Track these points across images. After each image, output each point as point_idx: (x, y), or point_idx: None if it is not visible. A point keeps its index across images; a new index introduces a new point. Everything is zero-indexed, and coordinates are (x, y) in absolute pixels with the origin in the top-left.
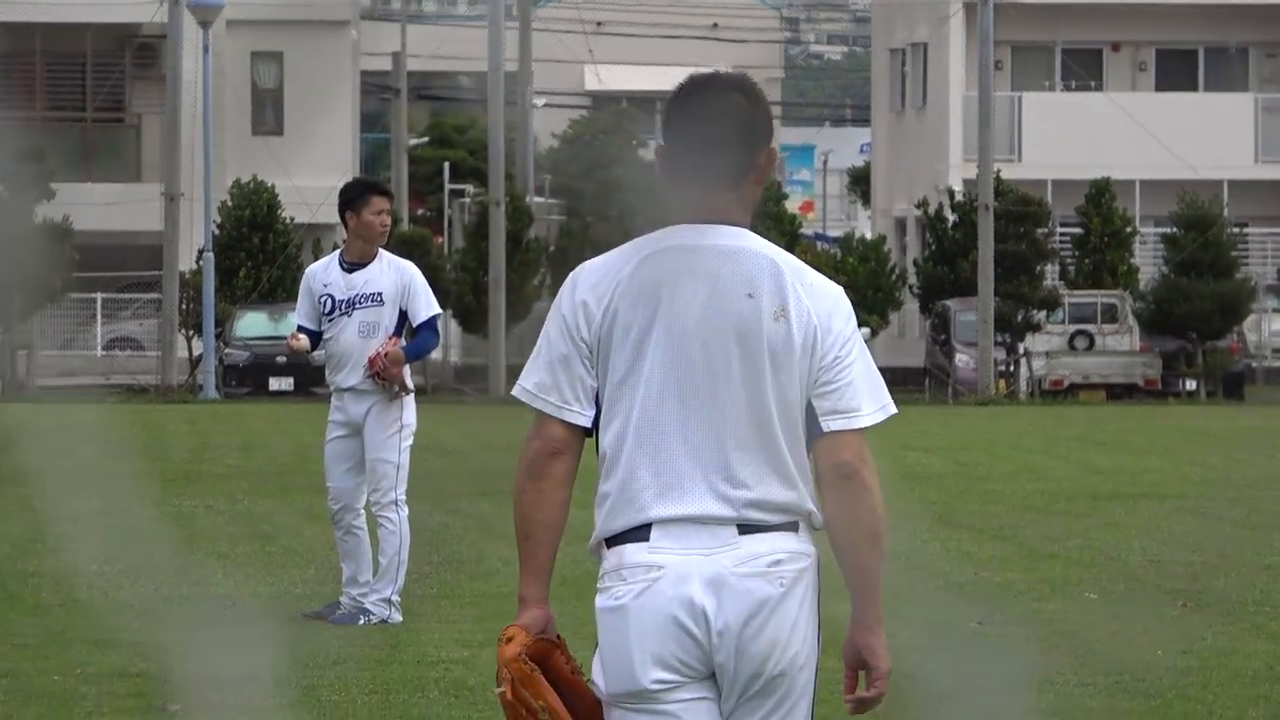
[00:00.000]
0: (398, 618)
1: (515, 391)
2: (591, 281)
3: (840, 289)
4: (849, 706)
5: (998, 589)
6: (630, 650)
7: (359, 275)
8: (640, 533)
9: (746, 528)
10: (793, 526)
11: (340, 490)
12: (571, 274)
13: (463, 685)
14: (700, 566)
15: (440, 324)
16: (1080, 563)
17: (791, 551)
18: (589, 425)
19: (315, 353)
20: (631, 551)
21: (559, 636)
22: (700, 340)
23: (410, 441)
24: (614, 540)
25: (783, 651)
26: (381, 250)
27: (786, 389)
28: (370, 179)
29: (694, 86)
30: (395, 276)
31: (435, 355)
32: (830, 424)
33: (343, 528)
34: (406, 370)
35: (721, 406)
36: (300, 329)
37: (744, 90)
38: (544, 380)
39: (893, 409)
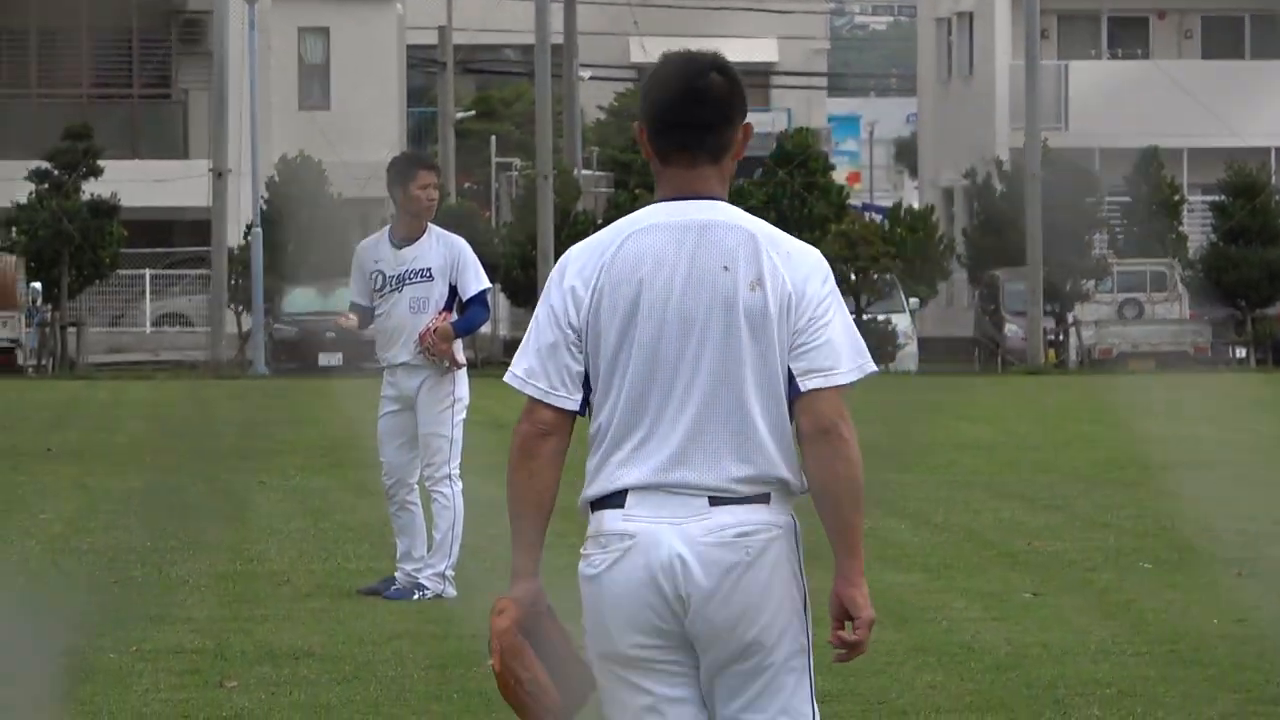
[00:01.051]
0: (452, 592)
1: (506, 377)
2: (578, 266)
3: (818, 253)
4: (833, 656)
5: (1051, 559)
6: (606, 616)
7: (409, 251)
8: (617, 499)
9: (718, 499)
10: (764, 498)
11: (393, 465)
12: (560, 259)
13: None
14: (670, 535)
15: (490, 298)
16: (1133, 532)
17: (760, 522)
18: (576, 409)
19: (364, 330)
20: (609, 519)
21: (549, 607)
22: (680, 316)
23: (463, 415)
24: (596, 505)
25: (753, 619)
26: (431, 225)
27: (766, 358)
28: (417, 153)
29: (674, 68)
30: (444, 251)
31: (485, 329)
32: (807, 383)
33: (396, 503)
34: (458, 344)
35: (702, 380)
36: (354, 306)
37: (723, 70)
38: (532, 366)
39: (871, 367)
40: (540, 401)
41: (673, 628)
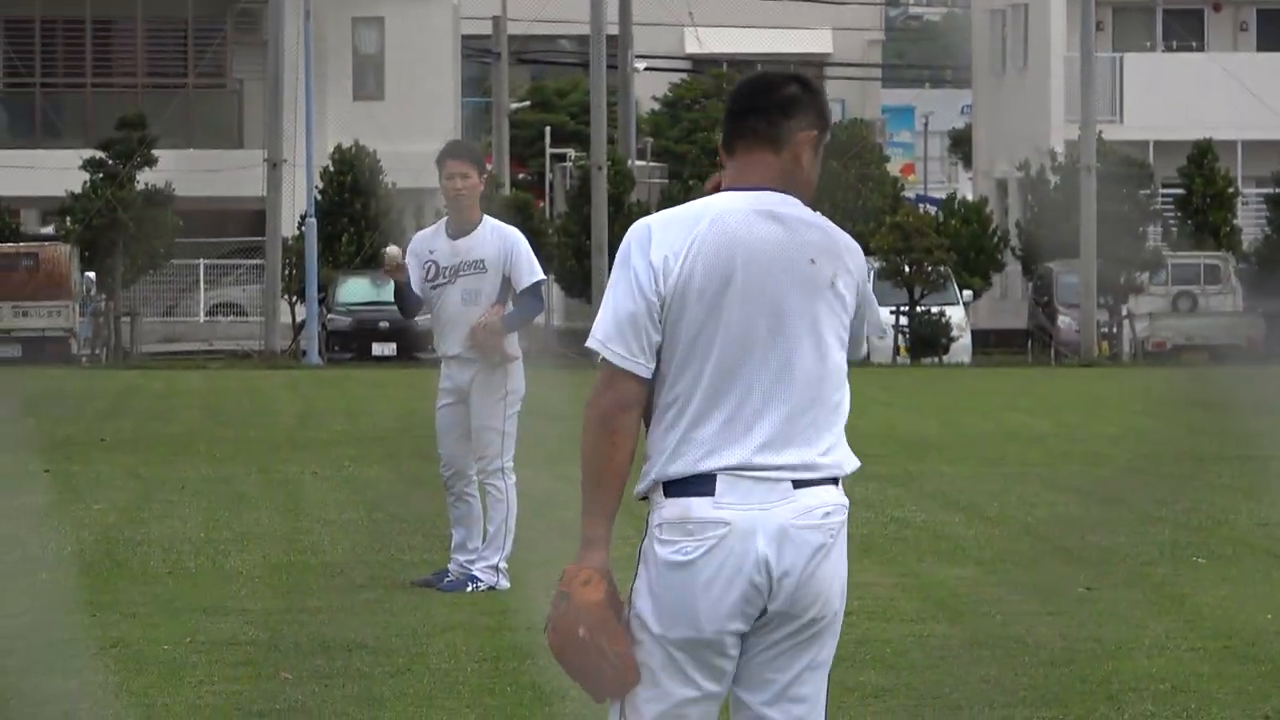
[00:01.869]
0: (505, 584)
1: (589, 342)
2: (667, 238)
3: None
4: None
5: (1105, 553)
6: (697, 603)
7: (463, 242)
8: (704, 485)
9: (800, 482)
10: (835, 480)
11: (451, 457)
12: (637, 229)
13: None
14: (763, 521)
15: (544, 290)
16: (1187, 526)
17: (837, 504)
18: (650, 376)
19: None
20: (697, 505)
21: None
22: (770, 302)
23: (517, 409)
24: (674, 488)
25: (828, 596)
26: (487, 217)
27: (841, 350)
28: (450, 143)
29: (752, 78)
30: (499, 243)
31: (539, 320)
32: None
33: (454, 494)
34: (513, 337)
35: (788, 366)
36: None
37: (805, 85)
38: (611, 332)
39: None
40: (621, 370)
41: (757, 609)
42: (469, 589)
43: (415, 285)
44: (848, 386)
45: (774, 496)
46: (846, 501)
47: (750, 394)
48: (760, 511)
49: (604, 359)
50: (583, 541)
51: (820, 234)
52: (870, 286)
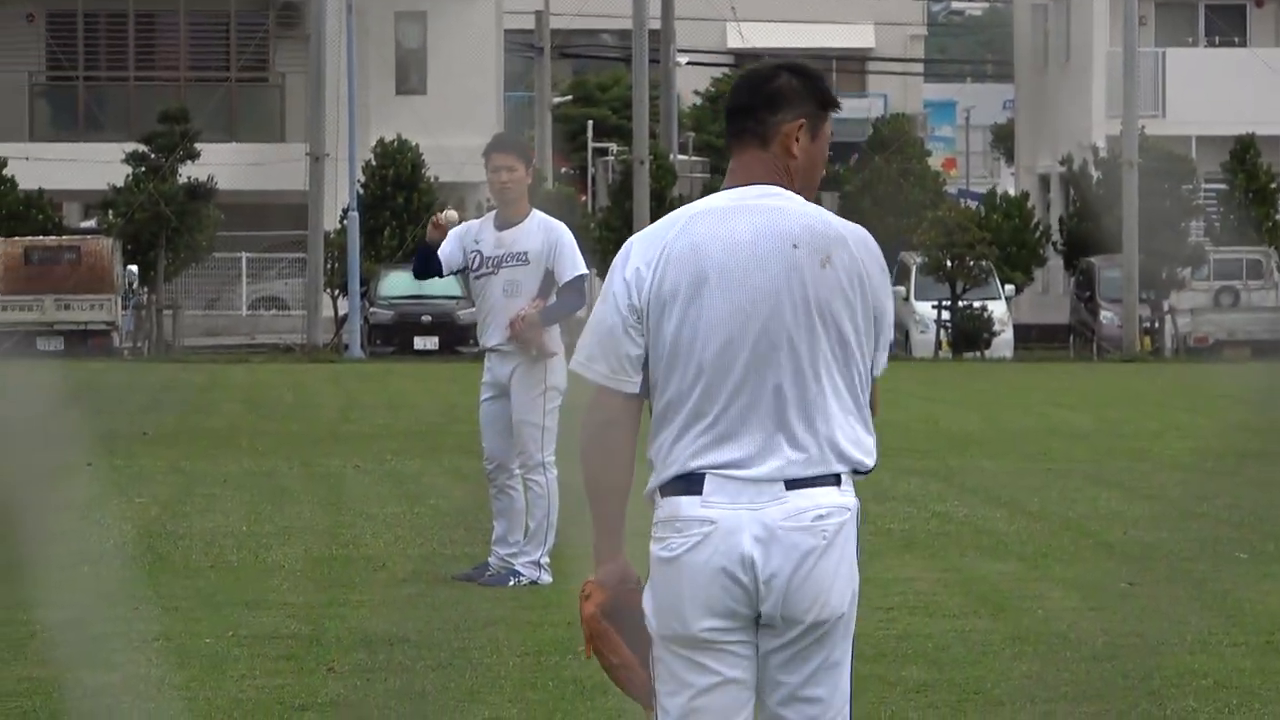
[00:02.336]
0: (547, 579)
1: (571, 364)
2: (641, 250)
3: (868, 236)
4: None
5: (1148, 549)
6: (683, 599)
7: (508, 234)
8: (693, 484)
9: (793, 482)
10: (835, 480)
11: (493, 451)
12: (624, 246)
13: None
14: (749, 521)
15: (586, 285)
16: (1229, 522)
17: (834, 505)
18: (638, 391)
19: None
20: (686, 504)
21: (638, 581)
22: (751, 295)
23: (558, 403)
24: (668, 489)
25: (825, 602)
26: (535, 211)
27: (840, 337)
28: (496, 136)
29: (751, 70)
30: (543, 236)
31: (580, 314)
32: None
33: (496, 487)
34: (555, 331)
35: (774, 360)
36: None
37: (798, 72)
38: (594, 352)
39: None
40: (605, 389)
41: (746, 611)
42: (511, 583)
43: (445, 259)
44: (860, 379)
45: (764, 497)
46: (850, 502)
47: (739, 392)
48: (749, 511)
49: (587, 377)
50: (593, 556)
51: (802, 221)
52: (885, 290)
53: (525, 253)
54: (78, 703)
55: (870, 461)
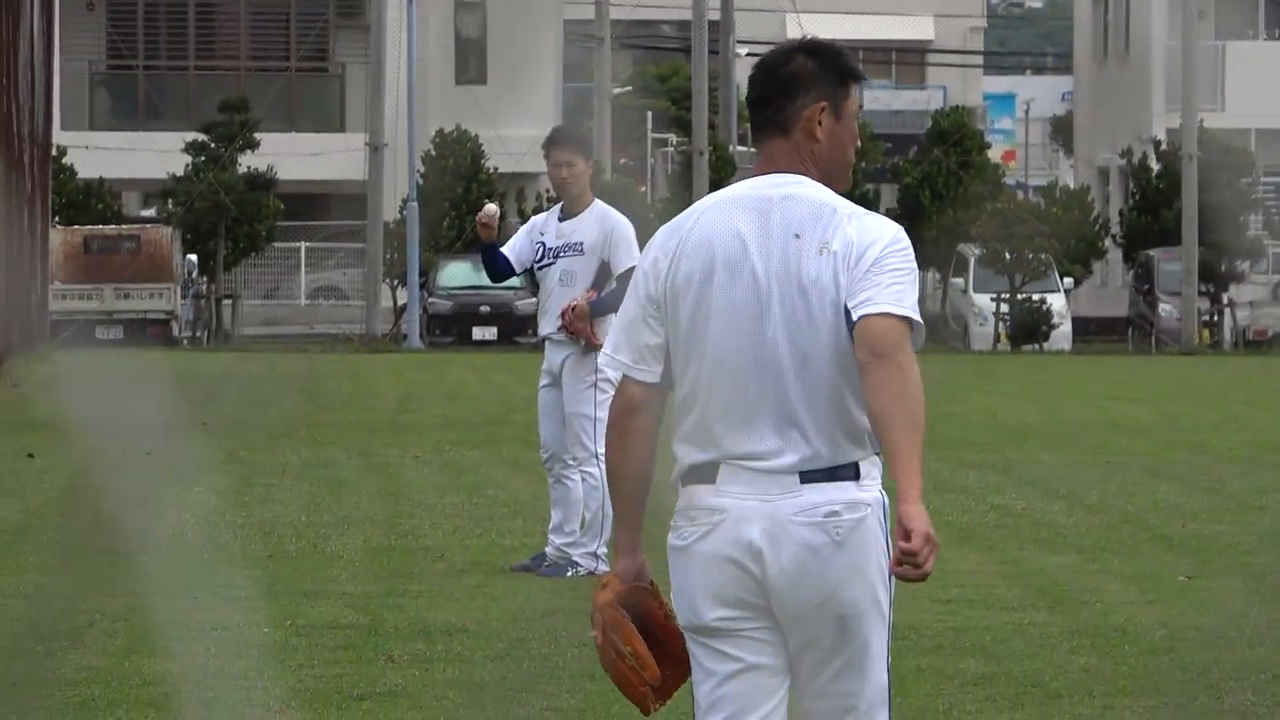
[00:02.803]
0: (605, 569)
1: (598, 357)
2: (661, 241)
3: (896, 229)
4: (898, 571)
5: (1206, 541)
6: (694, 589)
7: (568, 225)
8: (708, 473)
9: (808, 474)
10: (853, 473)
11: (547, 439)
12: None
13: None
14: (760, 512)
15: None
16: None
17: (849, 501)
18: (658, 380)
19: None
20: (700, 493)
21: (652, 583)
22: (756, 286)
23: (609, 394)
24: (687, 478)
25: (835, 599)
26: (597, 201)
27: (837, 325)
28: (554, 131)
29: (769, 53)
30: (600, 227)
31: None
32: (860, 310)
33: (553, 476)
34: (608, 322)
35: (782, 350)
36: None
37: (812, 52)
38: (618, 343)
39: (919, 321)
40: (627, 378)
41: (757, 601)
42: (569, 574)
43: (515, 256)
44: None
45: (776, 490)
46: (870, 497)
47: (748, 383)
48: (760, 502)
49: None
50: (615, 549)
51: (810, 209)
52: (898, 273)
53: (581, 243)
54: (136, 691)
55: (868, 455)
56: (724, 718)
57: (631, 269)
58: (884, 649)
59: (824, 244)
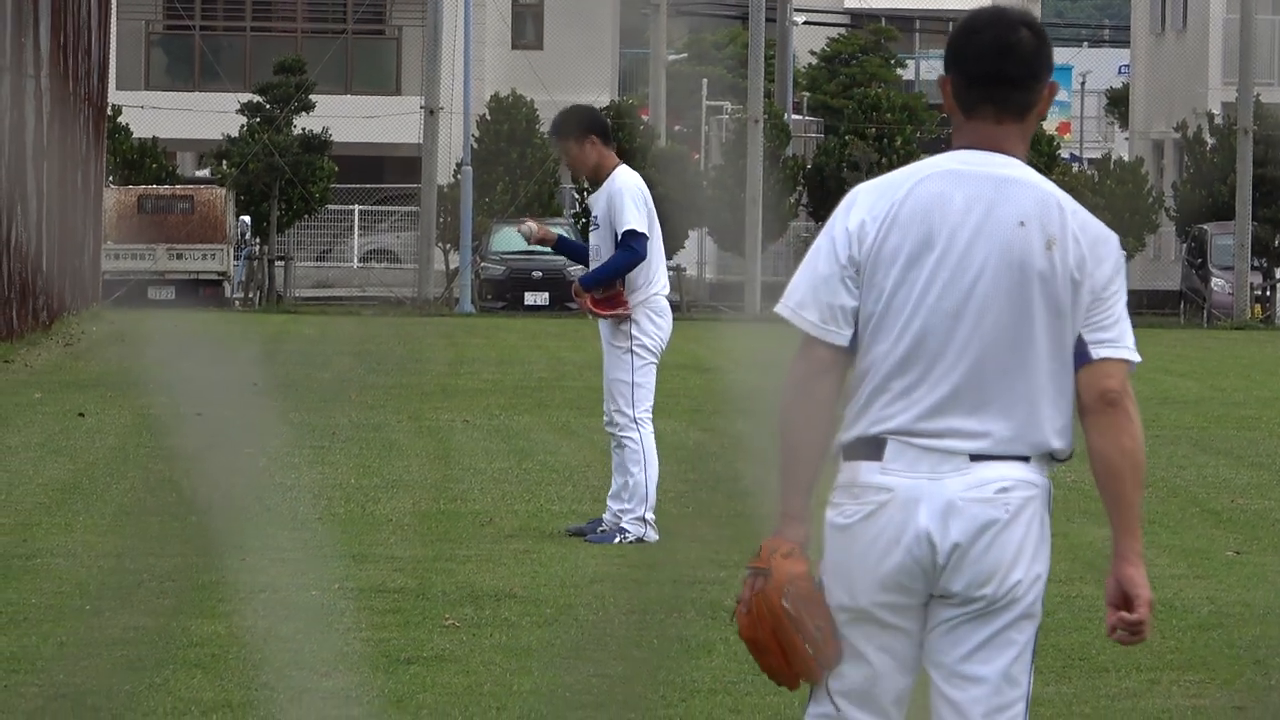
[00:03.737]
0: (654, 536)
1: (778, 308)
2: (869, 203)
3: (1112, 233)
4: (1115, 637)
5: (1255, 517)
6: (852, 570)
7: (593, 198)
8: (874, 449)
9: (979, 455)
10: (1024, 458)
11: (605, 404)
12: (848, 195)
13: (719, 606)
14: (929, 491)
15: (641, 242)
16: None
17: (1018, 479)
18: (847, 344)
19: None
20: (865, 470)
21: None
22: (971, 266)
23: (648, 361)
24: (850, 451)
25: (1004, 577)
26: (617, 169)
27: (1055, 321)
28: (557, 116)
29: (985, 22)
30: (606, 195)
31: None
32: (1099, 351)
33: (615, 441)
34: (634, 289)
35: (983, 333)
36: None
37: (1032, 27)
38: (805, 299)
39: (1138, 359)
40: (813, 338)
41: (918, 586)
42: (616, 540)
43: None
44: (1069, 367)
45: (946, 467)
46: (1039, 480)
47: (940, 362)
48: (929, 481)
49: (793, 322)
50: (780, 516)
51: (1035, 196)
52: (1123, 293)
53: (596, 216)
54: (183, 652)
55: (1065, 447)
56: (851, 705)
57: (627, 233)
58: (1030, 650)
59: (1050, 238)
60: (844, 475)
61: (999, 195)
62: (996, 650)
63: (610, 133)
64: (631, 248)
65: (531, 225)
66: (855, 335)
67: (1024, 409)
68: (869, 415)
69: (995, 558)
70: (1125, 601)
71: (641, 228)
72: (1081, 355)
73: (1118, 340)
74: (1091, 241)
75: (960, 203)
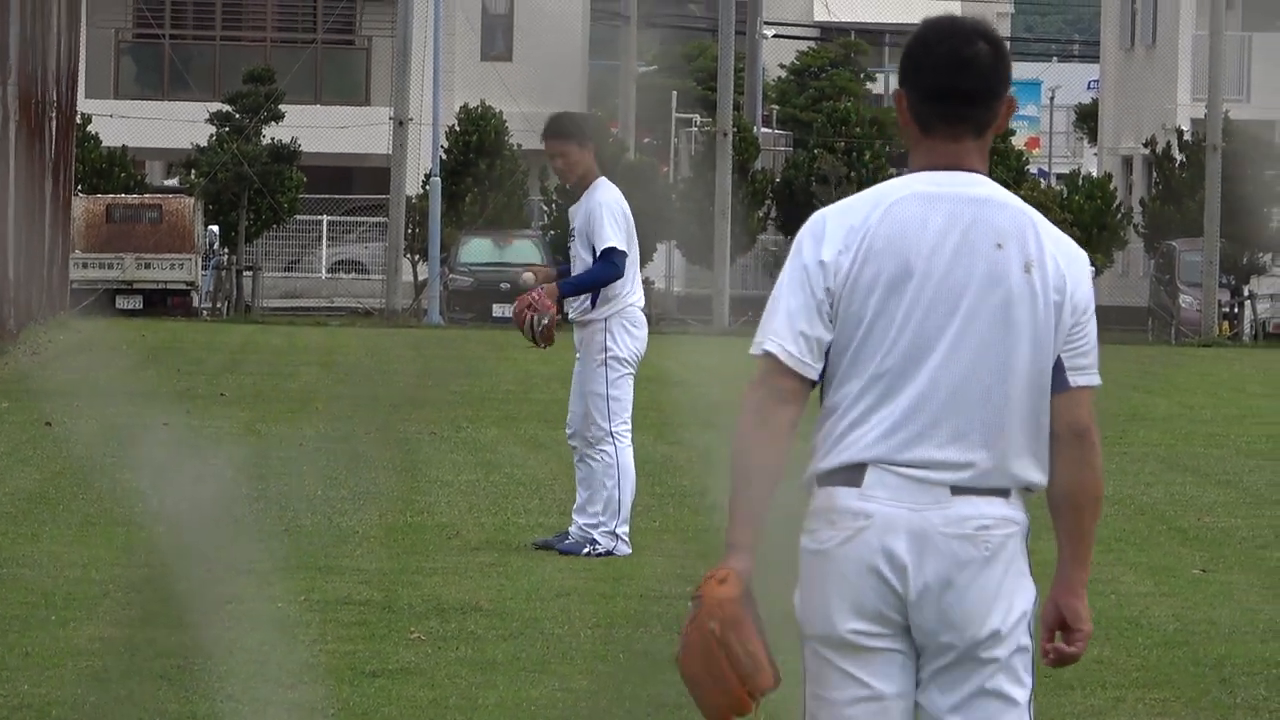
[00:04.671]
0: (625, 550)
1: (754, 349)
2: (840, 233)
3: (1082, 251)
4: (1047, 661)
5: (1222, 534)
6: (829, 596)
7: (573, 209)
8: (854, 475)
9: (960, 488)
10: (1004, 492)
11: (570, 416)
12: (812, 221)
13: (684, 621)
14: (907, 520)
15: (621, 258)
16: None
17: (999, 517)
18: (816, 378)
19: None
20: (842, 495)
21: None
22: (947, 292)
23: (623, 373)
24: (826, 479)
25: (983, 619)
26: (598, 181)
27: (1034, 346)
28: (548, 119)
29: (939, 34)
30: (585, 208)
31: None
32: (1076, 379)
33: (577, 455)
34: (604, 304)
35: (962, 360)
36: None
37: (989, 39)
38: (780, 328)
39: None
40: (783, 366)
41: (896, 616)
42: (585, 552)
43: None
44: (1047, 394)
45: (926, 499)
46: (1019, 516)
47: (921, 391)
48: (909, 511)
49: (766, 351)
50: (726, 545)
51: (1009, 217)
52: (1092, 313)
53: (574, 229)
54: (149, 663)
55: (1043, 480)
56: None
57: (606, 249)
58: (1024, 694)
59: (1028, 261)
60: (819, 501)
61: (974, 217)
62: (985, 701)
63: (598, 146)
64: (612, 263)
65: (528, 276)
66: (825, 369)
67: (1005, 438)
68: (847, 443)
69: (974, 599)
70: (1064, 628)
71: (621, 245)
72: (1059, 382)
73: (1091, 367)
74: (1068, 261)
75: (936, 226)
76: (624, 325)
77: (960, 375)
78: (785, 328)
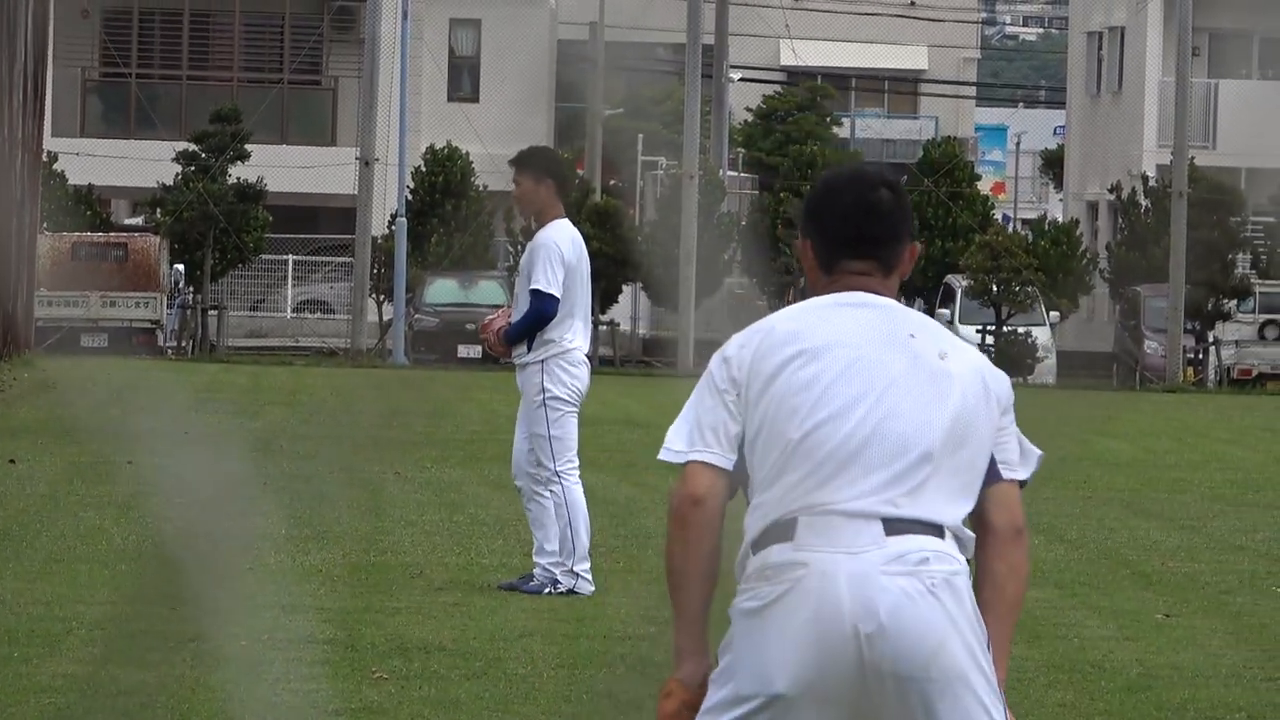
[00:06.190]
0: (587, 588)
1: (661, 455)
2: (741, 336)
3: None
4: None
5: (1185, 579)
6: (768, 654)
7: (527, 247)
8: (785, 531)
9: (891, 524)
10: (938, 532)
11: (515, 457)
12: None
13: (649, 661)
14: (847, 565)
15: (550, 303)
16: (1269, 556)
17: (938, 551)
18: (729, 468)
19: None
20: (776, 552)
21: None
22: (865, 360)
23: (564, 411)
24: (758, 544)
25: (935, 653)
26: (553, 221)
27: (956, 420)
28: (520, 151)
29: (844, 182)
30: (531, 247)
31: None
32: (1008, 473)
33: (525, 496)
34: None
35: (885, 408)
36: None
37: (891, 187)
38: (689, 431)
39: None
40: (693, 462)
41: (841, 670)
42: (547, 591)
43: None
44: (977, 470)
45: (863, 540)
46: (959, 556)
47: (843, 441)
48: (846, 556)
49: (663, 460)
50: (674, 653)
51: (915, 317)
52: (1008, 414)
53: (520, 266)
54: (112, 701)
55: (969, 541)
56: None
57: (533, 292)
58: (999, 709)
59: (942, 351)
60: (753, 565)
61: (884, 314)
62: None
63: (567, 187)
64: (538, 308)
65: (486, 337)
66: (740, 460)
67: (927, 502)
68: (773, 505)
69: (921, 632)
70: None
71: (549, 288)
72: (992, 474)
73: (1023, 467)
74: (982, 361)
75: (846, 315)
76: (562, 365)
77: (882, 421)
78: (687, 426)
